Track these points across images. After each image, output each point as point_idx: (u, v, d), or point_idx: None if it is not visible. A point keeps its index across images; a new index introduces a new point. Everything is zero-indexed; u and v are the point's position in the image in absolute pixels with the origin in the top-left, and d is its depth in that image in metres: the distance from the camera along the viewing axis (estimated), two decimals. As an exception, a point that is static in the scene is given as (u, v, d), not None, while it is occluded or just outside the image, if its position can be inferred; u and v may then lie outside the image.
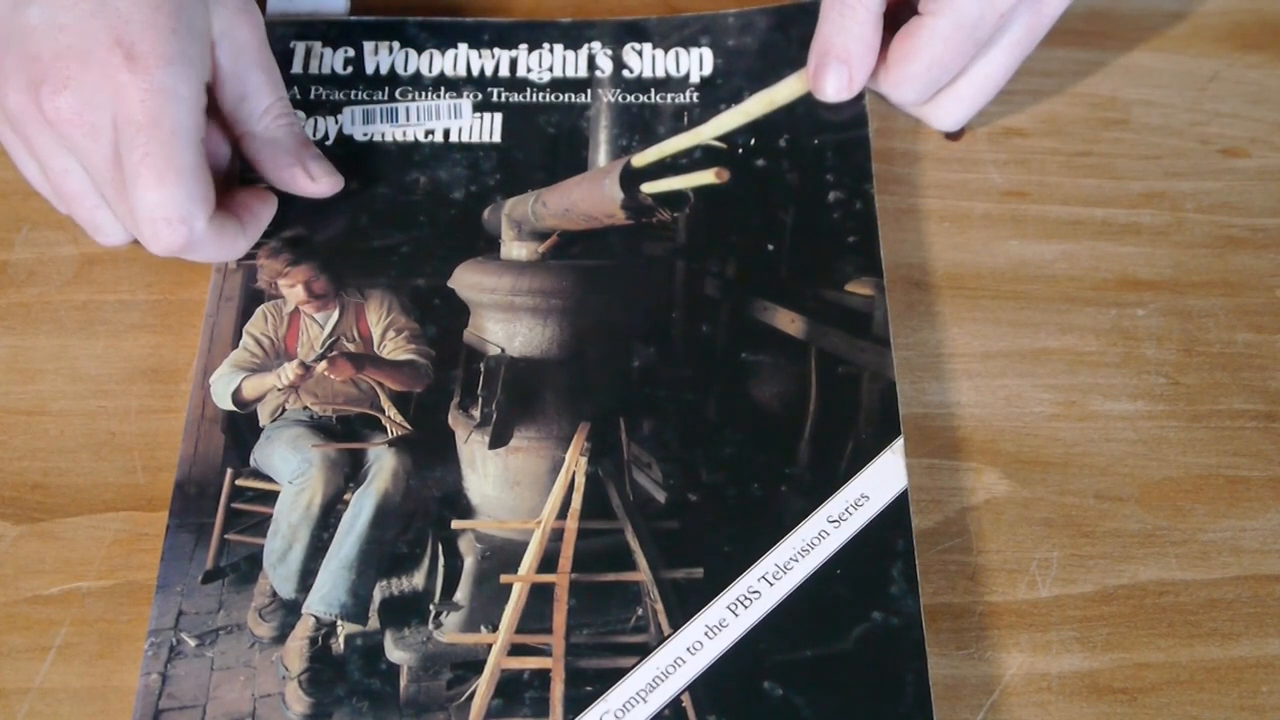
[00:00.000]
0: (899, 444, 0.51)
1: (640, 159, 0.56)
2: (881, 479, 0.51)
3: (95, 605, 0.50)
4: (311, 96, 0.61)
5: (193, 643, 0.48)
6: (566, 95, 0.62)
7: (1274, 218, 0.60)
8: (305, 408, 0.55)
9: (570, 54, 0.63)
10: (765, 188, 0.58)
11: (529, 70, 0.63)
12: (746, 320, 0.56)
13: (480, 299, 0.57)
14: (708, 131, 0.56)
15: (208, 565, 0.50)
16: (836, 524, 0.50)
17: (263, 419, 0.54)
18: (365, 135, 0.60)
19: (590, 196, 0.56)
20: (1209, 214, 0.60)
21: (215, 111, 0.54)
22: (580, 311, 0.56)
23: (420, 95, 0.62)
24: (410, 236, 0.58)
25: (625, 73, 0.62)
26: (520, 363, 0.56)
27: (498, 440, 0.54)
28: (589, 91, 0.62)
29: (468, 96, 0.62)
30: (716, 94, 0.62)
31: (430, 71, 0.62)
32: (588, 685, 0.47)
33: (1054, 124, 0.63)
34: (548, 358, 0.56)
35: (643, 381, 0.55)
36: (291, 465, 0.53)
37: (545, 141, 0.61)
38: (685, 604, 0.48)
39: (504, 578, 0.50)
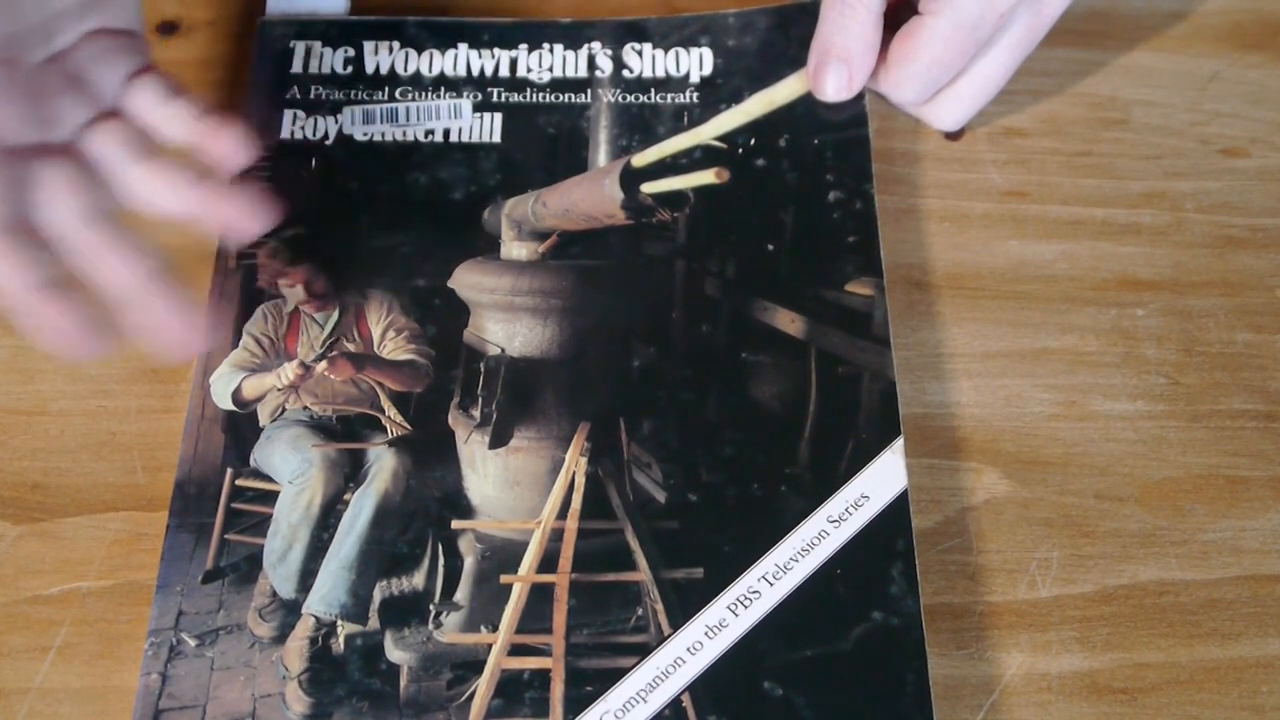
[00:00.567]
0: (899, 444, 0.51)
1: (640, 159, 0.56)
2: (881, 479, 0.51)
3: (95, 605, 0.50)
4: (311, 96, 0.61)
5: (193, 643, 0.48)
6: (566, 95, 0.62)
7: (1274, 218, 0.60)
8: (305, 408, 0.55)
9: (570, 54, 0.63)
10: (765, 188, 0.58)
11: (529, 70, 0.63)
12: (746, 320, 0.56)
13: (480, 299, 0.57)
14: (708, 131, 0.56)
15: (208, 565, 0.50)
16: (836, 524, 0.50)
17: (263, 419, 0.54)
18: (365, 135, 0.60)
19: (590, 196, 0.56)
20: (1209, 214, 0.60)
21: None
22: (580, 311, 0.56)
23: (420, 95, 0.62)
24: (410, 236, 0.58)
25: (625, 73, 0.62)
26: (520, 363, 0.56)
27: (498, 440, 0.54)
28: (589, 91, 0.62)
29: (468, 96, 0.62)
30: (716, 94, 0.62)
31: (430, 71, 0.62)
32: (588, 685, 0.47)
33: (1054, 124, 0.63)
34: (548, 358, 0.56)
35: (643, 381, 0.55)
36: (291, 465, 0.53)
37: (545, 141, 0.61)
38: (685, 604, 0.48)
39: (504, 578, 0.50)
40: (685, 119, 0.61)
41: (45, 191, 0.45)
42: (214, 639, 0.48)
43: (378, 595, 0.50)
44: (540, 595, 0.49)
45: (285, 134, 0.60)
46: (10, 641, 0.49)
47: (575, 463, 0.52)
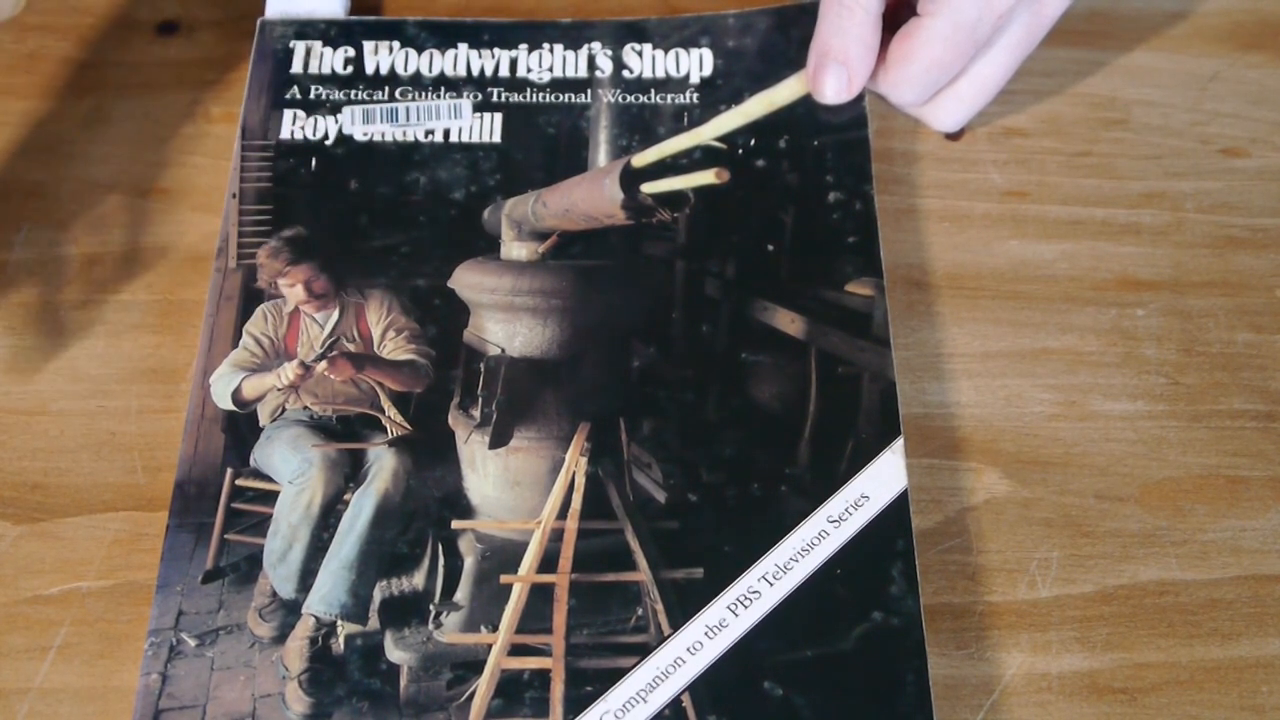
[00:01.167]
0: (899, 444, 0.51)
1: (640, 159, 0.56)
2: (881, 479, 0.51)
3: (95, 605, 0.50)
4: (311, 96, 0.61)
5: (193, 643, 0.48)
6: (566, 95, 0.62)
7: (1274, 218, 0.60)
8: (305, 408, 0.55)
9: (570, 54, 0.63)
10: (765, 188, 0.58)
11: (529, 70, 0.63)
12: (746, 320, 0.56)
13: (480, 299, 0.57)
14: (708, 132, 0.56)
15: (208, 565, 0.50)
16: (836, 524, 0.50)
17: (263, 419, 0.54)
18: (365, 135, 0.60)
19: (590, 196, 0.56)
20: (1209, 214, 0.60)
21: None
22: (580, 311, 0.56)
23: (420, 95, 0.62)
24: (410, 236, 0.58)
25: (625, 73, 0.62)
26: (520, 363, 0.56)
27: (498, 440, 0.54)
28: (589, 92, 0.62)
29: (468, 96, 0.62)
30: (716, 94, 0.62)
31: (430, 71, 0.62)
32: (588, 685, 0.47)
33: (1054, 124, 0.63)
34: (548, 358, 0.56)
35: (643, 381, 0.55)
36: (291, 465, 0.53)
37: (545, 141, 0.61)
38: (685, 604, 0.48)
39: (504, 578, 0.50)
40: (685, 119, 0.61)
41: None
42: (214, 639, 0.48)
43: (378, 595, 0.50)
44: (540, 595, 0.49)
45: (285, 134, 0.60)
46: (10, 641, 0.49)
47: (575, 463, 0.52)
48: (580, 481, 0.52)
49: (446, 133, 0.61)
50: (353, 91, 0.62)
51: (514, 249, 0.59)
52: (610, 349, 0.56)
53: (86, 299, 0.57)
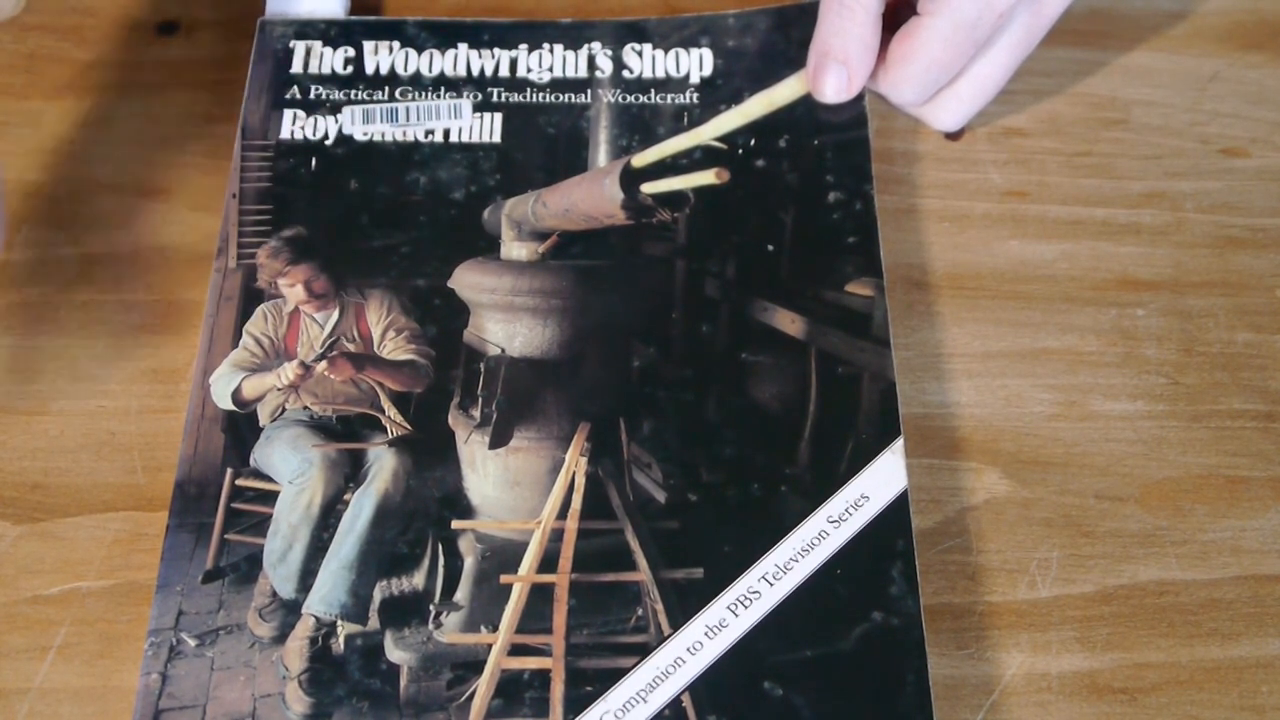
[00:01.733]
0: (899, 444, 0.51)
1: (640, 159, 0.56)
2: (881, 479, 0.51)
3: (95, 605, 0.50)
4: (311, 96, 0.61)
5: (193, 643, 0.48)
6: (566, 95, 0.62)
7: (1274, 218, 0.60)
8: (305, 408, 0.55)
9: (570, 54, 0.63)
10: (765, 188, 0.58)
11: (529, 70, 0.63)
12: (746, 320, 0.56)
13: (480, 299, 0.57)
14: (708, 132, 0.56)
15: (208, 565, 0.50)
16: (836, 524, 0.50)
17: (263, 419, 0.54)
18: (365, 135, 0.60)
19: (590, 196, 0.56)
20: (1209, 214, 0.60)
21: None
22: (580, 311, 0.56)
23: (420, 95, 0.62)
24: (410, 236, 0.58)
25: (625, 73, 0.62)
26: (520, 363, 0.56)
27: (498, 440, 0.54)
28: (589, 92, 0.62)
29: (468, 96, 0.62)
30: (716, 94, 0.62)
31: (430, 71, 0.62)
32: (588, 685, 0.47)
33: (1054, 124, 0.63)
34: (548, 358, 0.56)
35: (643, 381, 0.55)
36: (291, 465, 0.53)
37: (545, 141, 0.61)
38: (685, 604, 0.48)
39: (504, 578, 0.50)
40: (685, 119, 0.61)
41: None
42: (214, 639, 0.48)
43: (378, 595, 0.50)
44: (540, 595, 0.49)
45: (285, 134, 0.60)
46: (10, 641, 0.49)
47: (575, 463, 0.52)
48: (580, 481, 0.52)
49: (446, 133, 0.61)
50: (353, 91, 0.62)
51: (514, 249, 0.59)
52: (610, 349, 0.56)
53: (86, 299, 0.57)
